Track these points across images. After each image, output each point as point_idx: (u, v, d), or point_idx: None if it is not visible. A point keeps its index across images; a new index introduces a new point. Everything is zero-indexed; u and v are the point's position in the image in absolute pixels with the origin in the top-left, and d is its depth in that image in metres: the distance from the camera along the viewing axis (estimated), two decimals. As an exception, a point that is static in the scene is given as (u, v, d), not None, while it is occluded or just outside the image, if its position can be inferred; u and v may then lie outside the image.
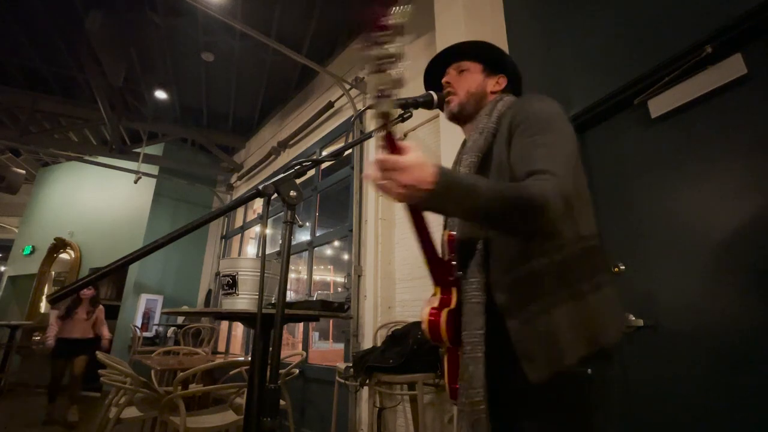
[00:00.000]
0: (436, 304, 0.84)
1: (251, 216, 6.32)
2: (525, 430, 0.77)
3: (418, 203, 0.69)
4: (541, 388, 0.71)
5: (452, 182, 0.67)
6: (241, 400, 2.35)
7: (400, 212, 3.30)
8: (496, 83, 1.04)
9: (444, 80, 1.04)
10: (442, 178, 0.66)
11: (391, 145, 0.67)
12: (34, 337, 6.84)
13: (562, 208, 0.71)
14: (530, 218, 0.70)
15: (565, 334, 0.72)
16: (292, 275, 8.13)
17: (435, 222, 0.83)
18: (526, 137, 0.81)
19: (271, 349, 0.82)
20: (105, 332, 4.11)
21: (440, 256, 0.88)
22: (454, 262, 0.88)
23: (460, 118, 1.03)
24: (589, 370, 0.73)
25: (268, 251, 5.59)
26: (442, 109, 1.07)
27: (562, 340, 0.72)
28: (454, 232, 0.91)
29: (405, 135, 3.33)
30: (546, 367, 0.71)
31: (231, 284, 1.74)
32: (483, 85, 1.02)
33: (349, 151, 3.84)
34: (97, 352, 2.33)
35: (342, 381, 2.67)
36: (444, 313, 0.81)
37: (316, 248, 4.32)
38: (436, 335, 0.81)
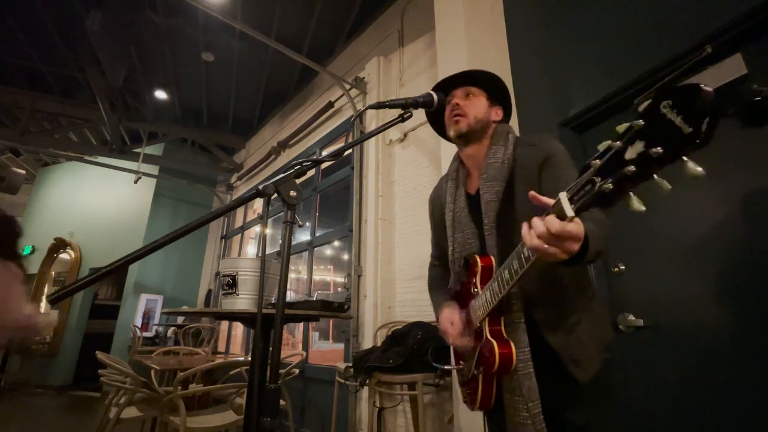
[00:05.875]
0: (496, 340, 0.87)
1: (251, 216, 6.32)
2: (576, 422, 0.87)
3: (566, 261, 0.70)
4: (585, 385, 0.86)
5: (595, 241, 0.73)
6: (241, 400, 2.35)
7: (400, 212, 3.30)
8: (495, 113, 1.11)
9: (454, 101, 1.08)
10: (592, 243, 0.71)
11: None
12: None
13: None
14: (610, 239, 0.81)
15: (592, 338, 0.89)
16: (292, 275, 8.12)
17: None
18: (562, 171, 0.92)
19: (271, 349, 0.82)
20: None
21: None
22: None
23: (465, 138, 1.08)
24: (607, 356, 0.90)
25: (268, 251, 5.59)
26: (441, 111, 1.11)
27: (593, 342, 0.89)
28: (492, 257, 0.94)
29: (405, 135, 3.33)
30: (590, 367, 0.86)
31: (231, 284, 1.74)
32: (488, 113, 1.08)
33: (349, 151, 3.83)
34: (97, 352, 2.24)
35: (342, 381, 2.67)
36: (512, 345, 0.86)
37: (316, 248, 4.32)
38: (509, 367, 0.85)
